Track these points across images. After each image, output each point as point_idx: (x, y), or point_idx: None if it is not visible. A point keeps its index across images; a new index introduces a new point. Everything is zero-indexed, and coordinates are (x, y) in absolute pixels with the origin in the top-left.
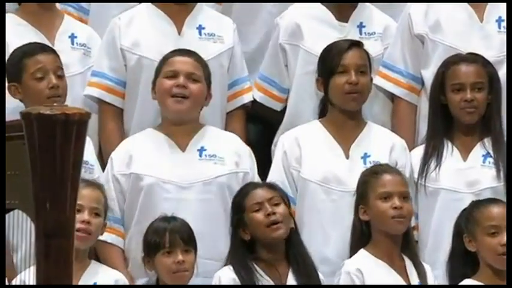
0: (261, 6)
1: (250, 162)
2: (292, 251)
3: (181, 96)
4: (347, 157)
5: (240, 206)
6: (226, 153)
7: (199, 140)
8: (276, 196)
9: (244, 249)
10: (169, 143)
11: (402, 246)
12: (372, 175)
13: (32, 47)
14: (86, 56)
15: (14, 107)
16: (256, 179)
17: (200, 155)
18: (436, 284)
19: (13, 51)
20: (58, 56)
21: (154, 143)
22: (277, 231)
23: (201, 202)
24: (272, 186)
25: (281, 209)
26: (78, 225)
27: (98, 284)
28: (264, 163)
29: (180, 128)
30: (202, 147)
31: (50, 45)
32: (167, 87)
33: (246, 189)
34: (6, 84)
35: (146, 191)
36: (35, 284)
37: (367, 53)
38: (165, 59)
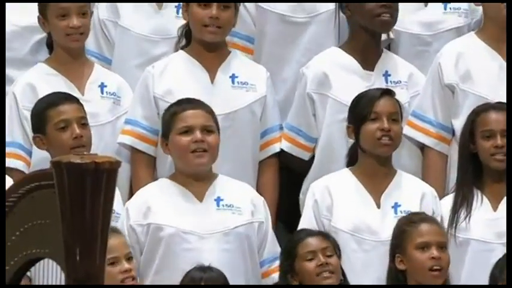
0: (290, 56)
1: (265, 211)
2: None
3: (201, 151)
4: (378, 206)
5: (291, 252)
6: (243, 203)
7: (214, 190)
8: (329, 247)
9: None
10: (186, 193)
11: None
12: (409, 224)
13: (55, 98)
14: (116, 104)
15: (42, 157)
16: (270, 228)
17: (218, 205)
18: None
19: (36, 102)
20: (81, 105)
21: (171, 194)
22: (328, 280)
23: (221, 252)
24: (326, 236)
25: (334, 260)
26: (122, 276)
27: None
28: (291, 212)
29: (195, 178)
30: (218, 197)
31: (79, 94)
32: (185, 144)
33: (299, 236)
34: (32, 134)
35: (166, 241)
36: None
37: (398, 102)
38: (175, 114)
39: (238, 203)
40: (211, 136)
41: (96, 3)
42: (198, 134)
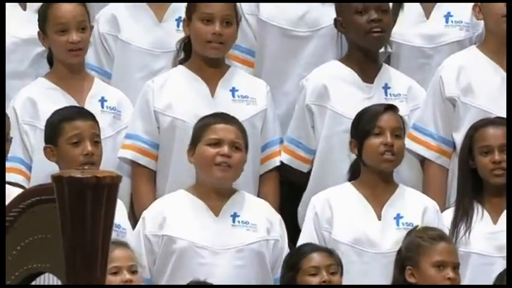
0: (292, 70)
1: (281, 229)
2: None
3: (225, 165)
4: (379, 218)
5: (295, 265)
6: (258, 220)
7: (232, 205)
8: (333, 264)
9: None
10: (203, 207)
11: None
12: (428, 240)
13: (72, 112)
14: (116, 119)
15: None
16: (286, 247)
17: (233, 221)
18: None
19: (53, 114)
20: (97, 123)
21: (188, 206)
22: None
23: (233, 268)
24: (331, 253)
25: (336, 278)
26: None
27: None
28: (292, 225)
29: (214, 192)
30: (235, 213)
31: None
32: (211, 155)
33: (304, 249)
34: (43, 145)
35: (179, 254)
36: None
37: (401, 118)
38: (207, 125)
39: (254, 220)
40: (238, 154)
41: (96, 17)
42: (225, 149)
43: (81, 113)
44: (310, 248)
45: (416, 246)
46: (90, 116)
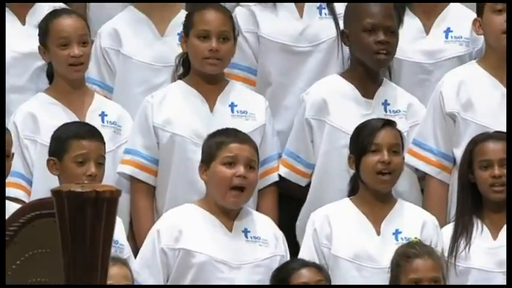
0: (294, 85)
1: (284, 246)
2: None
3: (240, 188)
4: (378, 233)
5: (284, 281)
6: (268, 236)
7: (242, 221)
8: (322, 280)
9: None
10: (216, 222)
11: None
12: (403, 258)
13: (81, 130)
14: (117, 133)
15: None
16: None
17: (246, 237)
18: None
19: (61, 128)
20: (104, 143)
21: (201, 221)
22: None
23: (251, 283)
24: (320, 268)
25: None
26: None
27: None
28: (287, 239)
29: (224, 208)
30: (246, 229)
31: None
32: (227, 176)
33: (293, 265)
34: (44, 159)
35: (198, 268)
36: None
37: (400, 133)
38: (222, 144)
39: (264, 236)
40: (253, 173)
41: (98, 32)
42: (241, 169)
43: (90, 132)
44: (299, 263)
45: (395, 265)
46: (98, 137)
